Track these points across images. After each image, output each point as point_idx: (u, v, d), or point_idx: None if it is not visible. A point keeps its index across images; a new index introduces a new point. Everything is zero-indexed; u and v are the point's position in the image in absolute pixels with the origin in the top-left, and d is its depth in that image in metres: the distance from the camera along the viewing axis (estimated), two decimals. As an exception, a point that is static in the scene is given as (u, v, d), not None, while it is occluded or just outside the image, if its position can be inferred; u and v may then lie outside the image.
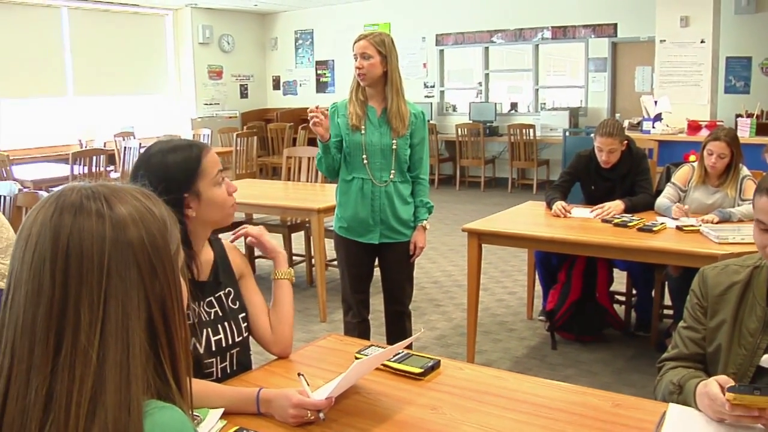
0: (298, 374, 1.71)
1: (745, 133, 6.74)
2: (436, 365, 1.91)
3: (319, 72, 13.35)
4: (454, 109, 12.10)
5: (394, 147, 3.27)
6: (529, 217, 4.37)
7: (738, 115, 8.48)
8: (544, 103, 11.26)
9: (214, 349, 1.85)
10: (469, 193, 10.67)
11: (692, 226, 3.74)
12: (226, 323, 1.90)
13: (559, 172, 10.36)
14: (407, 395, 1.76)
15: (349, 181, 3.38)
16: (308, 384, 1.67)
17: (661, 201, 4.21)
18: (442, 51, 11.99)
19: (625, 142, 4.28)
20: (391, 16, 12.21)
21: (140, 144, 8.60)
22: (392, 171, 3.31)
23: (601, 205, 4.14)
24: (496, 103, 11.25)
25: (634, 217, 3.96)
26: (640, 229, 3.76)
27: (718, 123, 7.45)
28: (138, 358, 0.90)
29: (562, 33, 10.69)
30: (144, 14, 12.01)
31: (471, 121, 11.04)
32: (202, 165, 1.80)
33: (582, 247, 3.77)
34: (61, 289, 0.88)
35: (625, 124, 8.03)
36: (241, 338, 1.93)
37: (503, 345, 4.41)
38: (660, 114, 7.28)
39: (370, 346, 2.05)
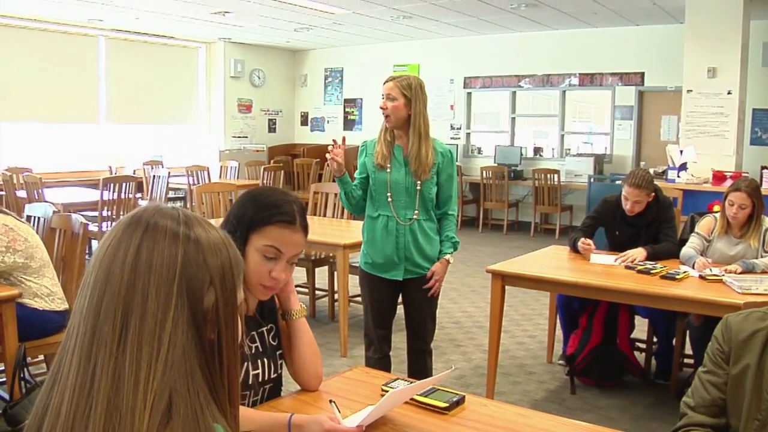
0: (330, 401, 1.75)
1: (769, 186, 6.75)
2: (461, 400, 1.94)
3: (347, 110, 13.54)
4: (480, 152, 12.18)
5: (418, 187, 3.34)
6: (552, 260, 4.40)
7: (764, 167, 8.48)
8: (569, 149, 11.32)
9: (250, 382, 1.89)
10: (492, 235, 10.70)
11: (715, 275, 3.76)
12: (265, 359, 1.94)
13: (582, 217, 10.42)
14: (433, 429, 1.80)
15: (375, 218, 3.45)
16: (339, 411, 1.71)
17: (686, 251, 4.23)
18: (469, 94, 12.13)
19: (653, 193, 4.31)
20: (420, 58, 12.39)
21: (169, 173, 8.75)
22: (416, 210, 3.37)
23: (624, 253, 4.17)
24: (521, 147, 11.33)
25: (657, 265, 3.99)
26: (663, 277, 3.78)
27: (743, 174, 7.46)
28: (197, 371, 0.95)
29: (589, 80, 10.79)
30: (178, 46, 12.28)
31: (496, 164, 11.12)
32: (266, 227, 1.79)
33: (605, 293, 3.80)
34: (131, 273, 0.93)
35: (650, 171, 8.06)
36: (275, 375, 1.97)
37: (522, 387, 4.41)
38: (685, 163, 7.31)
39: (396, 380, 2.09)
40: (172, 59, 12.23)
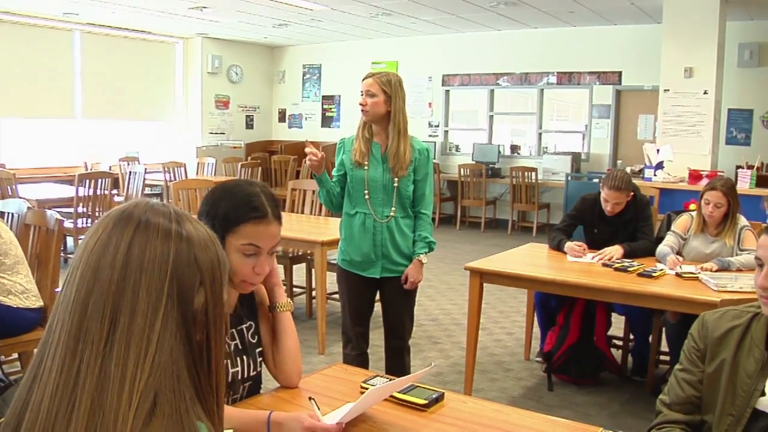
0: (310, 398, 1.74)
1: (745, 184, 6.82)
2: (440, 397, 1.94)
3: (325, 107, 13.50)
4: (458, 149, 12.20)
5: (395, 184, 3.33)
6: (530, 258, 4.42)
7: (738, 167, 8.58)
8: (546, 147, 11.38)
9: (229, 380, 1.87)
10: (469, 233, 10.72)
11: (691, 273, 3.80)
12: (244, 356, 1.92)
13: (559, 215, 10.50)
14: (413, 426, 1.80)
15: (353, 215, 3.44)
16: (319, 408, 1.70)
17: (662, 248, 4.27)
18: (448, 91, 12.14)
19: (631, 193, 4.35)
20: (399, 55, 12.38)
21: (145, 169, 8.67)
22: (393, 207, 3.36)
23: (601, 251, 4.20)
24: (499, 145, 11.37)
25: (633, 263, 4.02)
26: (640, 275, 3.81)
27: (719, 173, 7.53)
28: (184, 368, 0.93)
29: (567, 78, 10.85)
30: (155, 41, 12.17)
31: (474, 162, 11.14)
32: (240, 226, 1.75)
33: (583, 290, 3.81)
34: (122, 270, 0.91)
35: (627, 170, 8.11)
36: (255, 373, 1.95)
37: (500, 384, 4.43)
38: (662, 162, 7.37)
39: (375, 377, 2.08)
40: (149, 54, 12.11)
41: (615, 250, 4.18)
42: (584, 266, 4.10)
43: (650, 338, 4.41)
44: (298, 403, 1.90)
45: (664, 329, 4.24)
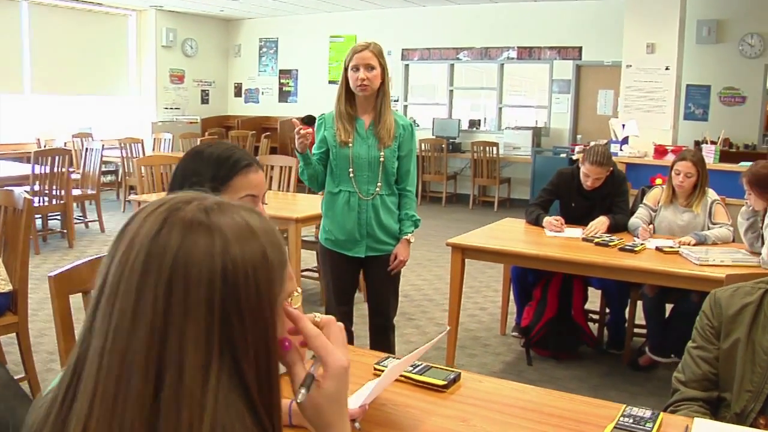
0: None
1: (709, 159, 6.90)
2: (457, 377, 1.90)
3: (282, 81, 13.29)
4: (417, 124, 12.15)
5: (381, 159, 3.26)
6: (509, 233, 4.42)
7: (697, 142, 8.73)
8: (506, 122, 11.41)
9: None
10: (431, 207, 10.72)
11: (671, 247, 3.84)
12: None
13: (521, 190, 10.59)
14: (433, 407, 1.76)
15: (336, 193, 3.34)
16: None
17: (633, 221, 4.34)
18: (407, 66, 12.06)
19: (611, 169, 4.37)
20: (357, 29, 12.23)
21: (103, 146, 8.42)
22: (378, 183, 3.28)
23: (589, 225, 4.23)
24: (459, 120, 11.36)
25: (614, 237, 4.05)
26: (622, 249, 3.84)
27: (684, 148, 7.64)
28: (249, 406, 0.81)
29: (527, 53, 10.86)
30: (107, 13, 11.80)
31: (434, 137, 11.11)
32: (233, 180, 1.68)
33: (566, 265, 3.82)
34: (163, 316, 0.78)
35: (591, 144, 8.18)
36: None
37: (479, 360, 4.43)
38: (627, 137, 7.44)
39: (387, 358, 2.04)
40: (101, 27, 11.74)
41: (601, 223, 4.23)
42: (564, 241, 4.12)
43: (626, 312, 4.46)
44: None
45: (641, 303, 4.28)
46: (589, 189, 4.41)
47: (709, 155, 6.82)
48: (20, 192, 3.68)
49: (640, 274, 3.65)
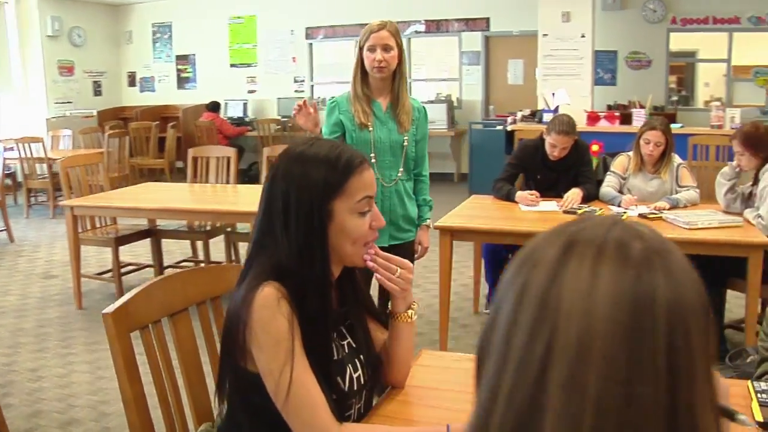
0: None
1: (640, 122, 7.11)
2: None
3: (179, 67, 12.72)
4: (323, 104, 11.93)
5: (404, 144, 3.12)
6: (483, 211, 4.35)
7: (609, 106, 8.99)
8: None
9: (355, 388, 1.60)
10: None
11: (654, 214, 3.89)
12: (361, 356, 1.65)
13: (440, 164, 10.58)
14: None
15: None
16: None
17: (606, 190, 4.37)
18: (311, 45, 11.80)
19: (576, 137, 4.38)
20: (257, 9, 11.86)
21: (3, 148, 7.78)
22: (401, 169, 3.15)
23: (564, 198, 4.22)
24: (370, 97, 11.21)
25: (594, 207, 4.07)
26: (608, 219, 3.84)
27: (599, 114, 7.83)
28: None
29: (435, 26, 10.84)
30: (-18, 4, 10.91)
31: (347, 116, 10.93)
32: (348, 182, 1.51)
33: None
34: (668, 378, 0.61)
35: (518, 115, 8.27)
36: (371, 373, 1.68)
37: (465, 341, 4.37)
38: (558, 106, 7.54)
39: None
40: (-21, 18, 10.84)
41: (576, 194, 4.23)
42: (542, 214, 4.10)
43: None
44: (428, 404, 1.71)
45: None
46: (555, 159, 4.41)
47: (640, 119, 7.01)
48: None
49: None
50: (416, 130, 3.20)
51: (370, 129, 3.09)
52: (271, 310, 1.42)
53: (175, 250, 6.47)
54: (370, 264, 1.59)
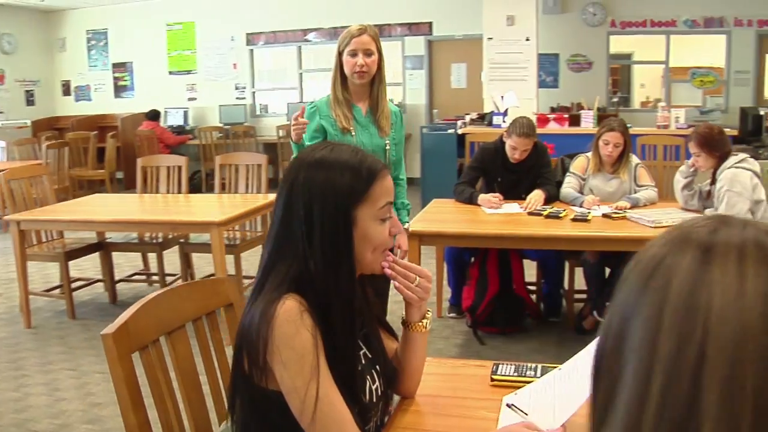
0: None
1: (588, 124, 7.24)
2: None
3: (116, 75, 12.41)
4: (266, 110, 11.82)
5: (387, 148, 3.09)
6: (448, 215, 4.34)
7: (553, 108, 9.13)
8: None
9: (375, 399, 1.56)
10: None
11: (618, 213, 3.94)
12: (377, 366, 1.60)
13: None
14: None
15: None
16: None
17: (567, 191, 4.42)
18: (252, 51, 11.65)
19: (536, 139, 4.41)
20: (195, 15, 11.67)
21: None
22: None
23: (527, 200, 4.24)
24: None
25: (559, 209, 4.10)
26: (574, 219, 3.88)
27: (548, 116, 7.94)
28: None
29: (378, 31, 10.80)
30: None
31: (289, 122, 10.83)
32: (370, 189, 1.47)
33: (528, 241, 3.83)
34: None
35: (467, 119, 8.31)
36: (385, 386, 1.63)
37: (433, 347, 4.33)
38: (507, 109, 7.60)
39: (500, 364, 1.89)
40: None
41: (539, 195, 4.26)
42: (507, 217, 4.12)
43: (563, 280, 4.56)
44: (446, 413, 1.67)
45: (582, 269, 4.37)
46: (516, 161, 4.43)
47: (588, 120, 7.13)
48: None
49: (602, 242, 3.72)
50: (394, 134, 3.17)
51: (353, 133, 3.05)
52: (294, 324, 1.36)
53: (123, 263, 6.28)
54: (389, 271, 1.55)
